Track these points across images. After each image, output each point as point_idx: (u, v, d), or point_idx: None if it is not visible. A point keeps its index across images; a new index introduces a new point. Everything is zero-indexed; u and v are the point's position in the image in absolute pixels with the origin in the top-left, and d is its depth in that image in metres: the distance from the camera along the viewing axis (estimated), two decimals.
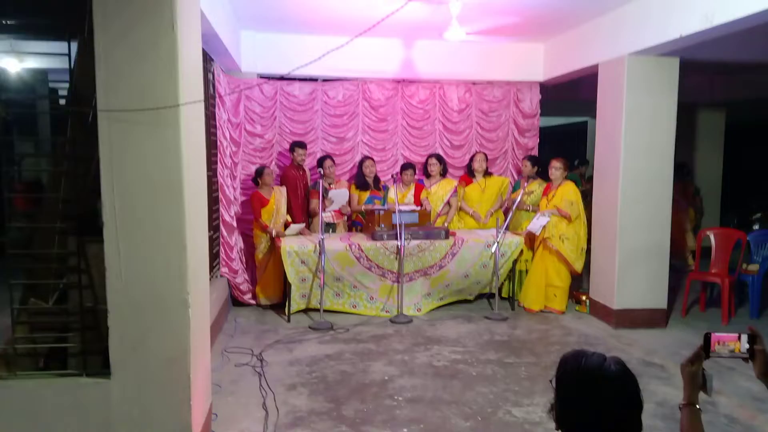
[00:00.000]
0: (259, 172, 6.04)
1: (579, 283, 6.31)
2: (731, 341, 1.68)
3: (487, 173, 6.67)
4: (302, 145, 6.35)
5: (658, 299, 5.61)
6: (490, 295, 6.23)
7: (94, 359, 2.88)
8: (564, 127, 11.57)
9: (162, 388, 2.81)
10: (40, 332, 2.94)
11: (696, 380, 1.69)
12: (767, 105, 8.88)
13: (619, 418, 1.41)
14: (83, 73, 2.87)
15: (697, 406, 1.69)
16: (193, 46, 3.11)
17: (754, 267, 6.02)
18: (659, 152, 5.47)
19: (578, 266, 5.95)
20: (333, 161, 6.42)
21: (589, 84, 6.59)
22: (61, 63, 3.07)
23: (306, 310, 5.88)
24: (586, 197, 6.54)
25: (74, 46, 2.96)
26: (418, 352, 4.89)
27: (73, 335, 2.91)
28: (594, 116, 6.03)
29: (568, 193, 5.95)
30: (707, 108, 9.13)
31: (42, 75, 7.39)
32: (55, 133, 3.39)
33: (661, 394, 4.03)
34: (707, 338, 1.68)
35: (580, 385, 1.45)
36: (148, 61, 2.69)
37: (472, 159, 6.71)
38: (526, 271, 6.28)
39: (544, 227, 5.93)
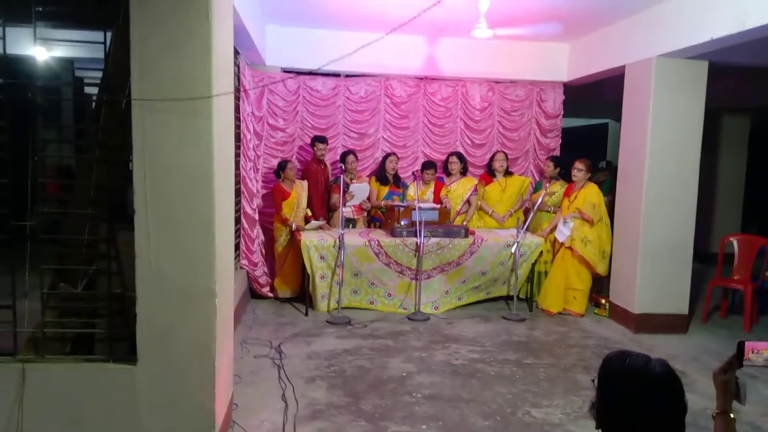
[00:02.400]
0: (282, 166, 6.07)
1: (599, 286, 6.26)
2: (766, 350, 1.66)
3: (507, 173, 6.64)
4: (323, 140, 6.37)
5: (680, 304, 5.55)
6: (508, 296, 6.20)
7: (121, 345, 2.91)
8: (584, 128, 11.48)
9: (187, 375, 2.84)
10: (69, 317, 2.98)
11: (729, 389, 1.67)
12: None
13: (663, 420, 1.40)
14: (117, 62, 2.90)
15: (732, 415, 1.67)
16: (226, 38, 3.13)
17: None
18: (684, 156, 5.41)
19: (601, 269, 5.89)
20: (356, 156, 6.43)
21: (612, 85, 6.54)
22: (87, 52, 3.10)
23: (327, 311, 5.89)
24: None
25: (108, 35, 2.99)
26: (436, 349, 4.88)
27: (101, 321, 2.95)
28: (615, 118, 5.99)
29: (590, 195, 5.90)
30: (732, 113, 9.01)
31: (68, 64, 7.48)
32: (81, 120, 3.42)
33: None
34: (741, 346, 1.66)
35: (624, 385, 1.44)
36: (183, 51, 2.72)
37: (492, 158, 6.67)
38: (545, 273, 6.24)
39: (569, 235, 5.88)
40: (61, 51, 6.85)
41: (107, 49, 2.97)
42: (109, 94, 2.93)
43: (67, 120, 6.80)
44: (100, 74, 3.08)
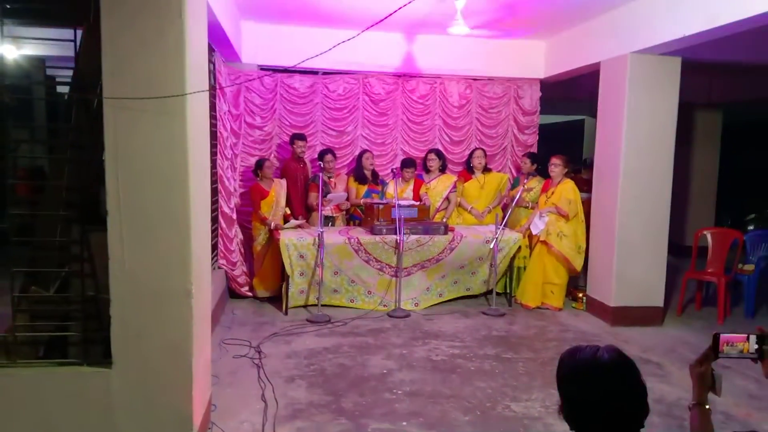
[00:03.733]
0: (260, 164, 6.02)
1: (576, 280, 6.33)
2: (740, 342, 1.68)
3: (486, 169, 6.67)
4: (302, 137, 6.33)
5: (655, 297, 5.64)
6: (488, 291, 6.24)
7: (95, 348, 2.87)
8: (561, 125, 11.59)
9: (163, 378, 2.81)
10: (41, 320, 2.92)
11: (705, 380, 1.69)
12: (764, 106, 8.92)
13: (623, 403, 1.41)
14: (88, 60, 2.85)
15: (707, 406, 1.70)
16: (200, 35, 3.09)
17: (749, 267, 6.06)
18: (659, 151, 5.49)
19: (577, 264, 5.96)
20: (334, 155, 6.40)
21: (588, 82, 6.60)
22: (59, 50, 3.03)
23: (304, 305, 5.87)
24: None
25: (79, 32, 2.93)
26: (416, 346, 4.90)
27: (75, 324, 2.89)
28: (591, 114, 6.05)
29: (566, 191, 5.95)
30: (704, 108, 9.16)
31: (39, 62, 7.32)
32: (52, 120, 3.36)
33: (657, 391, 4.06)
34: (716, 339, 1.69)
35: (579, 379, 1.46)
36: (155, 49, 2.67)
37: (471, 155, 6.70)
38: (524, 268, 6.29)
39: (543, 228, 5.95)
40: (32, 49, 6.70)
41: (77, 47, 2.92)
42: (81, 93, 2.88)
43: (39, 120, 6.66)
44: (71, 73, 3.02)
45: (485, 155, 6.69)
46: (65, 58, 2.99)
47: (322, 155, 6.29)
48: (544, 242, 5.97)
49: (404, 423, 3.54)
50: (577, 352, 1.50)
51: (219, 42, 5.34)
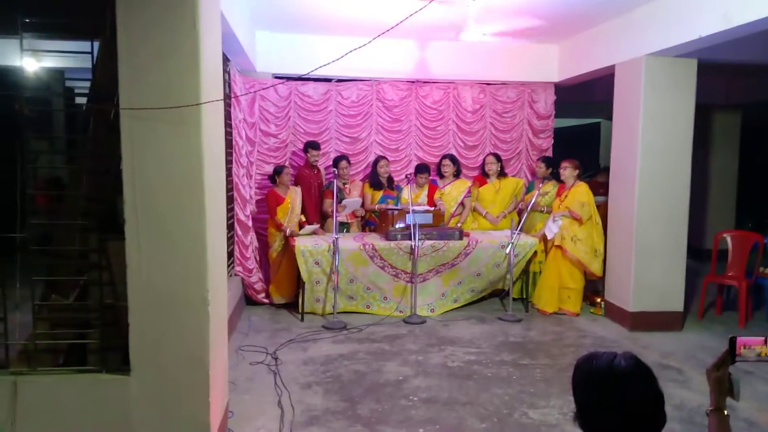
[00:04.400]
0: (278, 171, 6.06)
1: (595, 284, 6.27)
2: (758, 345, 1.66)
3: (502, 174, 6.65)
4: (316, 146, 6.37)
5: (675, 302, 5.57)
6: (504, 296, 6.20)
7: (114, 356, 2.90)
8: (576, 128, 11.52)
9: (181, 385, 2.83)
10: (61, 328, 2.97)
11: (722, 385, 1.66)
12: None
13: (639, 412, 1.39)
14: (105, 71, 2.90)
15: (725, 412, 1.67)
16: (214, 46, 3.13)
17: None
18: (676, 154, 5.43)
19: (594, 268, 5.90)
20: (348, 162, 6.43)
21: (603, 85, 6.56)
22: (78, 62, 3.09)
23: (321, 314, 5.88)
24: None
25: (96, 45, 2.98)
26: (432, 352, 4.88)
27: (94, 332, 2.93)
28: (607, 117, 6.00)
29: (579, 194, 5.92)
30: (722, 110, 9.04)
31: (58, 74, 7.45)
32: (71, 131, 3.41)
33: (678, 398, 4.00)
34: (732, 342, 1.66)
35: (595, 386, 1.43)
36: (171, 60, 2.71)
37: (484, 161, 6.70)
38: (540, 273, 6.25)
39: (557, 232, 5.91)
40: (51, 62, 6.83)
41: (95, 59, 2.97)
42: (98, 104, 2.93)
43: (58, 131, 6.77)
44: (89, 84, 3.07)
45: (498, 160, 6.66)
46: (84, 69, 3.04)
47: (337, 162, 6.32)
48: (559, 246, 5.93)
49: (420, 430, 3.52)
50: (593, 359, 1.47)
51: (234, 51, 5.40)
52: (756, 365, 1.62)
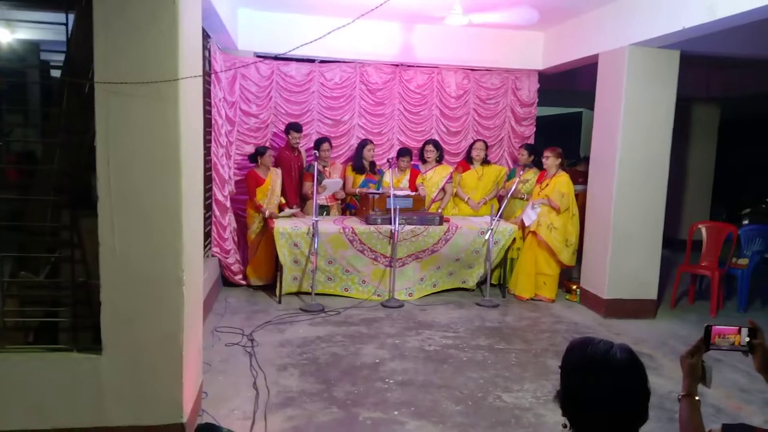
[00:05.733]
0: (261, 152, 5.97)
1: (570, 273, 6.34)
2: (731, 334, 1.68)
3: (485, 161, 6.65)
4: (298, 128, 6.29)
5: (649, 290, 5.65)
6: (482, 282, 6.24)
7: (85, 335, 2.86)
8: (558, 117, 11.57)
9: (154, 365, 2.80)
10: (31, 306, 2.91)
11: (696, 372, 1.69)
12: (762, 101, 8.90)
13: (627, 405, 1.39)
14: (80, 44, 2.81)
15: (697, 398, 1.70)
16: (193, 21, 3.05)
17: (743, 261, 6.08)
18: (656, 144, 5.48)
19: (564, 257, 5.97)
20: (330, 144, 6.37)
21: (586, 74, 6.58)
22: (54, 35, 3.00)
23: (297, 293, 5.87)
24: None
25: (71, 17, 2.89)
26: (410, 336, 4.90)
27: (64, 310, 2.88)
28: (589, 107, 6.02)
29: (560, 184, 5.95)
30: (702, 103, 9.15)
31: (33, 46, 7.25)
32: (46, 105, 3.33)
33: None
34: (708, 331, 1.69)
35: (587, 372, 1.43)
36: (148, 34, 2.65)
37: (471, 146, 6.69)
38: (517, 259, 6.30)
39: (535, 219, 5.95)
40: (25, 33, 6.64)
41: (70, 31, 2.88)
42: (72, 78, 2.85)
43: (33, 104, 6.61)
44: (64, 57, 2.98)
45: (486, 147, 6.67)
46: (59, 42, 2.96)
47: (318, 144, 6.26)
48: (534, 233, 5.98)
49: (396, 412, 3.54)
50: (588, 344, 1.46)
51: (214, 29, 5.30)
52: (726, 354, 1.66)
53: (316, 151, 6.07)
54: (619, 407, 1.39)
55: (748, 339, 1.67)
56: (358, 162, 6.47)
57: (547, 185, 6.02)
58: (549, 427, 3.43)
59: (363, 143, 6.51)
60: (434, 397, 3.76)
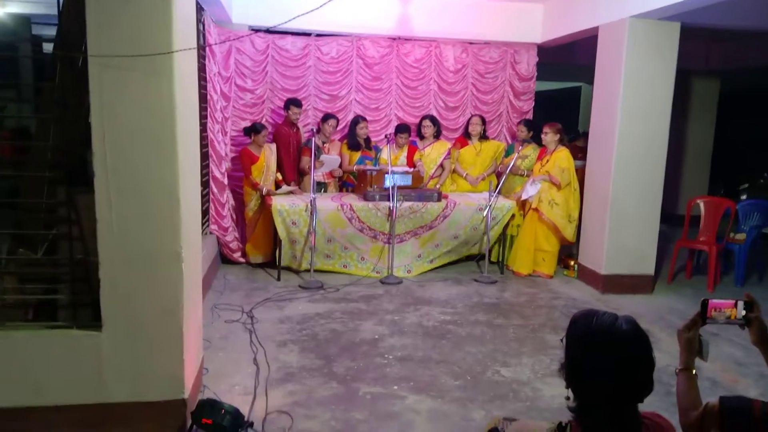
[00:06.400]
0: (257, 130, 5.89)
1: (569, 248, 6.35)
2: (728, 308, 1.69)
3: (483, 137, 6.61)
4: (298, 103, 6.22)
5: (647, 265, 5.67)
6: (480, 258, 6.25)
7: (85, 311, 2.85)
8: (557, 92, 11.48)
9: (154, 341, 2.80)
10: (29, 284, 2.90)
11: (692, 346, 1.70)
12: (762, 74, 8.83)
13: (631, 376, 1.39)
14: (72, 17, 2.75)
15: (693, 371, 1.70)
16: None
17: (741, 236, 6.09)
18: (656, 118, 5.45)
19: (567, 233, 5.97)
20: (337, 121, 6.32)
21: (585, 48, 6.50)
22: (45, 8, 2.94)
23: (296, 270, 5.87)
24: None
25: None
26: (408, 312, 4.92)
27: (63, 287, 2.87)
28: (588, 82, 5.96)
29: (561, 159, 5.92)
30: (702, 76, 9.07)
31: (24, 20, 7.13)
32: (39, 80, 3.28)
33: None
34: (704, 304, 1.69)
35: (592, 344, 1.43)
36: (141, 6, 2.59)
37: (468, 121, 6.64)
38: (516, 235, 6.30)
39: (535, 195, 5.93)
40: (16, 7, 6.52)
41: (61, 4, 2.82)
42: (65, 51, 2.79)
43: (25, 79, 6.53)
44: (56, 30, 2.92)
45: (483, 122, 6.61)
46: (50, 15, 2.89)
47: (326, 118, 6.21)
48: (536, 209, 5.97)
49: (395, 387, 3.57)
50: (593, 316, 1.46)
51: (209, 1, 5.20)
52: (722, 327, 1.67)
53: (314, 128, 6.01)
54: (624, 378, 1.39)
55: (744, 312, 1.67)
56: (352, 140, 6.41)
57: (547, 161, 5.99)
58: (546, 400, 3.46)
59: (355, 120, 6.46)
60: (433, 372, 3.79)
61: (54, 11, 2.89)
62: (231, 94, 6.24)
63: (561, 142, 6.06)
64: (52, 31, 2.96)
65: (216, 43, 5.62)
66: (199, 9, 5.16)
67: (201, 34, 5.25)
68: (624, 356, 1.40)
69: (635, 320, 1.47)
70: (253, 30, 6.36)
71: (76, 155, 2.83)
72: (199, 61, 5.08)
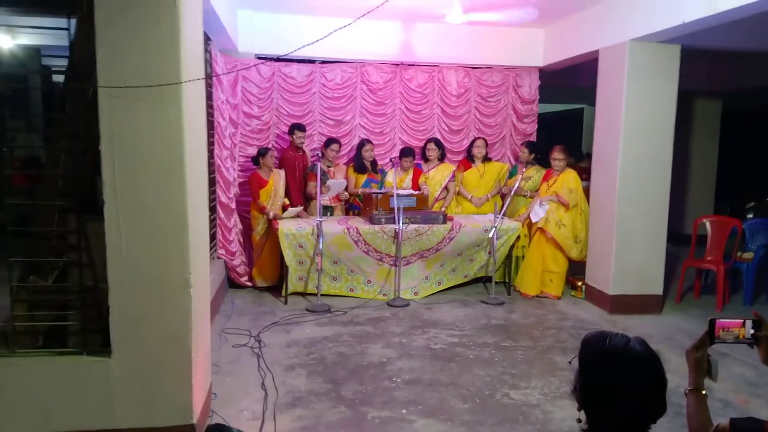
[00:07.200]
0: (263, 153, 5.99)
1: (575, 269, 6.33)
2: (736, 327, 1.68)
3: (486, 159, 6.66)
4: (302, 128, 6.31)
5: (654, 285, 5.64)
6: (487, 280, 6.24)
7: (94, 338, 2.87)
8: (560, 114, 11.56)
9: (163, 367, 2.81)
10: (40, 310, 2.92)
11: (701, 366, 1.69)
12: (764, 95, 8.88)
13: (644, 398, 1.40)
14: (82, 48, 2.83)
15: (703, 392, 1.69)
16: (195, 23, 3.07)
17: (748, 255, 6.07)
18: (659, 139, 5.48)
19: (574, 253, 5.97)
20: (339, 145, 6.39)
21: (587, 70, 6.57)
22: (54, 40, 3.01)
23: (303, 294, 5.88)
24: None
25: (73, 21, 2.90)
26: (416, 335, 4.91)
27: (73, 314, 2.89)
28: (591, 103, 6.01)
29: (568, 180, 5.98)
30: (704, 97, 9.13)
31: (34, 52, 7.28)
32: (48, 110, 3.34)
33: None
34: (712, 324, 1.68)
35: (605, 366, 1.43)
36: (150, 37, 2.66)
37: (471, 144, 6.70)
38: (523, 257, 6.30)
39: (543, 216, 5.95)
40: (27, 39, 6.67)
41: (72, 35, 2.90)
42: (75, 82, 2.86)
43: (35, 110, 6.64)
44: (66, 62, 3.00)
45: (486, 145, 6.67)
46: (60, 47, 2.97)
47: (328, 143, 6.28)
48: (542, 230, 5.98)
49: (404, 411, 3.55)
50: (606, 338, 1.47)
51: (215, 31, 5.31)
52: (732, 347, 1.66)
53: (318, 153, 6.08)
54: (639, 399, 1.40)
55: (752, 331, 1.66)
56: (358, 162, 6.48)
57: (554, 182, 6.03)
58: (557, 423, 3.43)
59: (361, 143, 6.53)
60: (442, 395, 3.77)
61: (64, 42, 2.97)
62: (239, 120, 6.33)
63: (567, 164, 6.10)
64: (61, 62, 3.03)
65: (225, 73, 5.71)
66: (206, 39, 5.27)
67: (208, 63, 5.35)
68: (638, 377, 1.41)
69: (645, 341, 1.48)
70: (258, 58, 6.48)
71: (86, 183, 2.88)
72: (206, 89, 5.17)
